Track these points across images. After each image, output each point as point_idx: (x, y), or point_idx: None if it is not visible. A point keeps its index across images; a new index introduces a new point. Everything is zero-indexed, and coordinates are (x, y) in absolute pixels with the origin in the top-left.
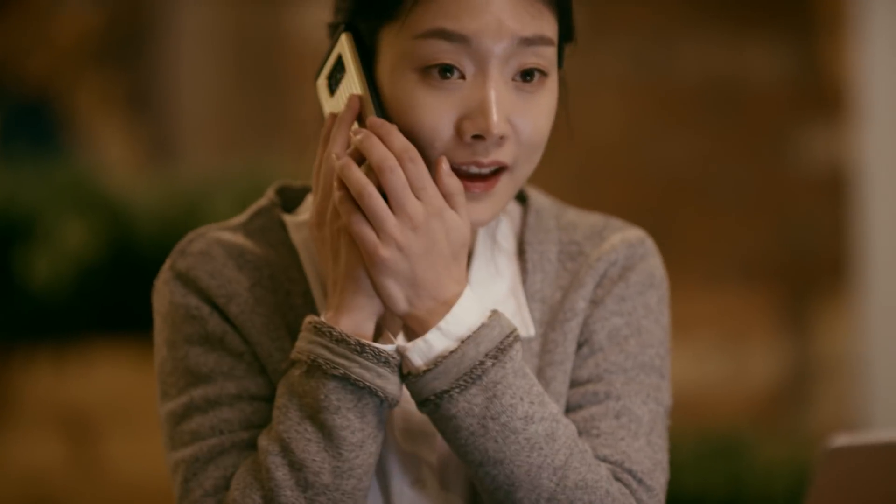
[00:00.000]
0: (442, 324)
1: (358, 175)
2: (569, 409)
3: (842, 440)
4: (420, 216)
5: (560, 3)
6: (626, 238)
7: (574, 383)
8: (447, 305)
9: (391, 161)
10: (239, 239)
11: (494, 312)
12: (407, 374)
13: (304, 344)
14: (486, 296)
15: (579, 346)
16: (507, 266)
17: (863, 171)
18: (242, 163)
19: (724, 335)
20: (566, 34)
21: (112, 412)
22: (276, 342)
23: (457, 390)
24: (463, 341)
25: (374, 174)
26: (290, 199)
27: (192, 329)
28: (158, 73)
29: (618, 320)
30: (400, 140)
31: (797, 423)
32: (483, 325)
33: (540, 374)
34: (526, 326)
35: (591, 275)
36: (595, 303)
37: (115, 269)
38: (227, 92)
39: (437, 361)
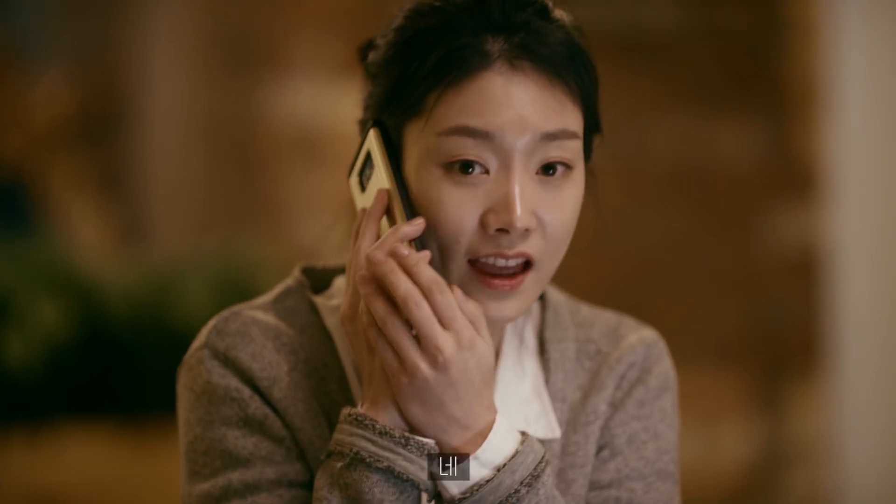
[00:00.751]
0: (479, 452)
1: (377, 304)
2: None
3: None
4: (450, 349)
5: (584, 95)
6: (643, 339)
7: (594, 486)
8: (482, 436)
9: (416, 296)
10: (271, 319)
11: (525, 436)
12: (439, 498)
13: (345, 436)
14: (511, 396)
15: (599, 448)
16: (530, 365)
17: (834, 253)
18: (214, 244)
19: (697, 416)
20: (593, 126)
21: (86, 494)
22: (316, 429)
23: None
24: (499, 470)
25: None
26: (317, 280)
27: (230, 411)
28: (131, 155)
29: (637, 425)
30: (427, 273)
31: None
32: (518, 453)
33: (561, 475)
34: (552, 428)
35: (612, 376)
36: (614, 406)
37: (88, 350)
38: (199, 173)
39: (473, 490)
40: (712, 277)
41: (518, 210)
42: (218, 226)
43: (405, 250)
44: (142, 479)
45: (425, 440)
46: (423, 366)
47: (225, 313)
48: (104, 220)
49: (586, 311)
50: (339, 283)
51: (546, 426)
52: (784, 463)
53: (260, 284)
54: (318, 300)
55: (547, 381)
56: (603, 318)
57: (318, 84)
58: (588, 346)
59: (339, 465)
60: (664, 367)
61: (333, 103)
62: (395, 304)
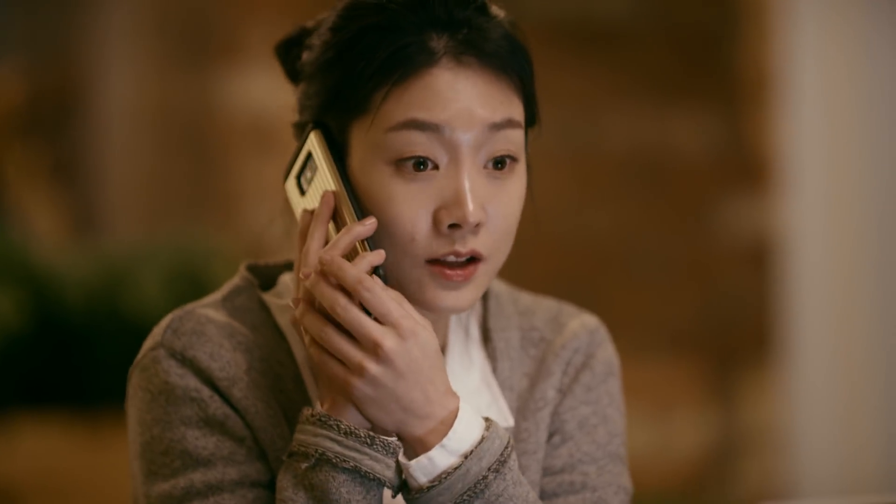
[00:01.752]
0: (445, 441)
1: (310, 321)
2: (544, 497)
3: None
4: (389, 341)
5: (525, 87)
6: (585, 325)
7: (547, 472)
8: (446, 423)
9: (340, 300)
10: (224, 317)
11: (490, 422)
12: (406, 488)
13: (309, 437)
14: (460, 387)
15: (550, 435)
16: (477, 355)
17: (787, 242)
18: (168, 234)
19: (651, 406)
20: (531, 119)
21: (40, 484)
22: (276, 428)
23: None
24: (466, 457)
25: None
26: (263, 277)
27: (190, 411)
28: (85, 145)
29: (586, 409)
30: (351, 273)
31: (723, 493)
32: (484, 439)
33: None
34: (504, 417)
35: (558, 363)
36: (562, 391)
37: (42, 340)
38: (153, 164)
39: (441, 478)
40: (666, 267)
41: (470, 205)
42: (172, 215)
43: (326, 256)
44: (96, 468)
45: (390, 439)
46: (368, 363)
47: (178, 312)
48: (58, 210)
49: (527, 298)
50: (285, 280)
51: (498, 414)
52: (738, 452)
53: (214, 274)
54: (268, 298)
55: (494, 369)
56: (544, 306)
57: (272, 73)
58: (532, 334)
59: (304, 465)
60: (607, 351)
61: (287, 93)
62: (326, 315)
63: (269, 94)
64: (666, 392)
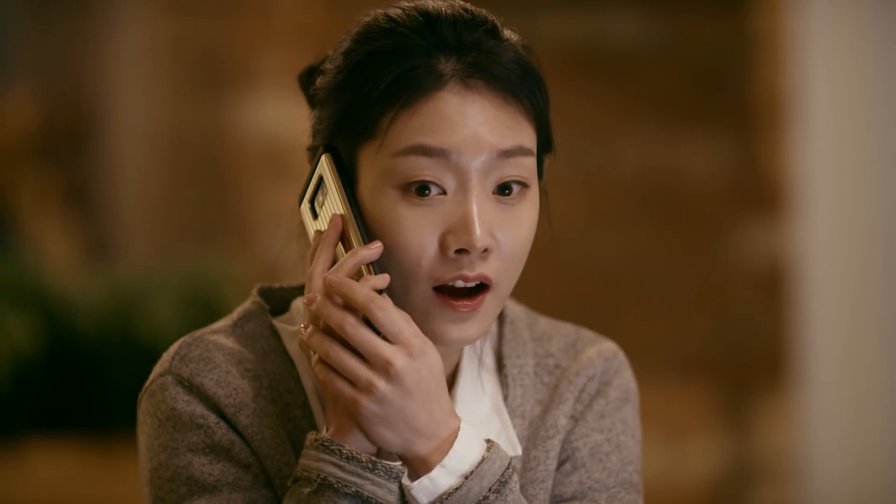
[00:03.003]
0: (445, 461)
1: (317, 341)
2: None
3: None
4: (400, 360)
5: (538, 114)
6: (602, 351)
7: (557, 499)
8: (448, 443)
9: (349, 319)
10: (233, 344)
11: (491, 444)
12: None
13: (312, 462)
14: (470, 415)
15: (561, 462)
16: (489, 383)
17: (800, 268)
18: (181, 260)
19: (664, 431)
20: (545, 145)
21: None
22: (283, 456)
23: None
24: (467, 477)
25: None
26: (275, 302)
27: (196, 438)
28: (98, 171)
29: (598, 437)
30: (361, 293)
31: None
32: (484, 459)
33: (522, 491)
34: (513, 446)
35: (571, 390)
36: (575, 419)
37: (55, 366)
38: (165, 189)
39: (443, 499)
40: (679, 292)
41: (477, 230)
42: (184, 241)
43: (333, 277)
44: (108, 494)
45: (392, 464)
46: (378, 381)
47: (187, 339)
48: (71, 236)
49: (544, 324)
50: (298, 304)
51: (507, 444)
52: (750, 479)
53: (226, 299)
54: (279, 324)
55: (506, 397)
56: (561, 332)
57: (284, 99)
58: (547, 361)
59: (307, 490)
60: (624, 378)
61: (299, 118)
62: (332, 335)
63: (282, 119)
64: (678, 418)
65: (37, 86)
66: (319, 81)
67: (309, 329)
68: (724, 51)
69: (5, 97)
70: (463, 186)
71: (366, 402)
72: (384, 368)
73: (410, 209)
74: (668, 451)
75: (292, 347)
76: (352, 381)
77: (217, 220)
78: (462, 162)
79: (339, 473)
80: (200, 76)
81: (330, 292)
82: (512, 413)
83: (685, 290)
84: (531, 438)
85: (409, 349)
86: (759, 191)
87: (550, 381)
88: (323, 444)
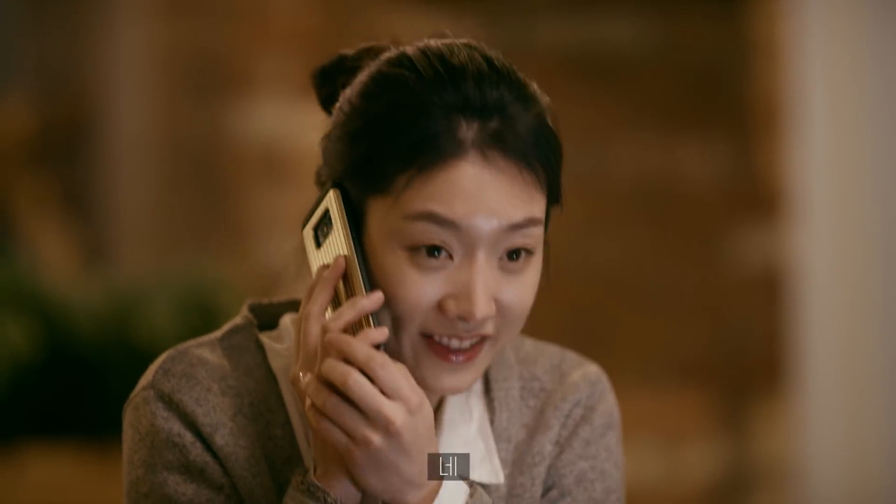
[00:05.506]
0: None
1: (314, 390)
2: None
3: None
4: (400, 417)
5: (550, 178)
6: (587, 376)
7: None
8: (434, 491)
9: (353, 375)
10: (218, 359)
11: (474, 488)
12: None
13: None
14: (456, 438)
15: (546, 489)
16: (476, 405)
17: (798, 272)
18: (179, 265)
19: (660, 437)
20: (553, 198)
21: None
22: (257, 477)
23: None
24: None
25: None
26: (265, 317)
27: (172, 456)
28: (95, 175)
29: (584, 464)
30: (362, 351)
31: None
32: None
33: None
34: (496, 473)
35: (556, 416)
36: (560, 445)
37: (52, 370)
38: (163, 194)
39: None
40: (676, 297)
41: (479, 303)
42: (182, 245)
43: (332, 336)
44: (105, 499)
45: None
46: (376, 437)
47: (171, 352)
48: (68, 240)
49: (529, 345)
50: (286, 322)
51: (490, 471)
52: (748, 484)
53: (224, 305)
54: (265, 340)
55: (492, 421)
56: (546, 354)
57: (282, 103)
58: (532, 384)
59: None
60: (608, 404)
61: (297, 123)
62: (331, 387)
63: (279, 124)
64: (675, 423)
65: (34, 90)
66: (336, 112)
67: (307, 378)
68: (721, 55)
69: (2, 102)
70: (470, 254)
71: (358, 454)
72: (384, 427)
73: (416, 270)
74: (666, 455)
75: (276, 364)
76: (348, 433)
77: (214, 225)
78: (472, 233)
79: None
80: (198, 80)
81: (329, 349)
82: (497, 437)
83: (682, 294)
84: (517, 464)
85: (408, 405)
86: (756, 195)
87: (536, 404)
88: (309, 490)
